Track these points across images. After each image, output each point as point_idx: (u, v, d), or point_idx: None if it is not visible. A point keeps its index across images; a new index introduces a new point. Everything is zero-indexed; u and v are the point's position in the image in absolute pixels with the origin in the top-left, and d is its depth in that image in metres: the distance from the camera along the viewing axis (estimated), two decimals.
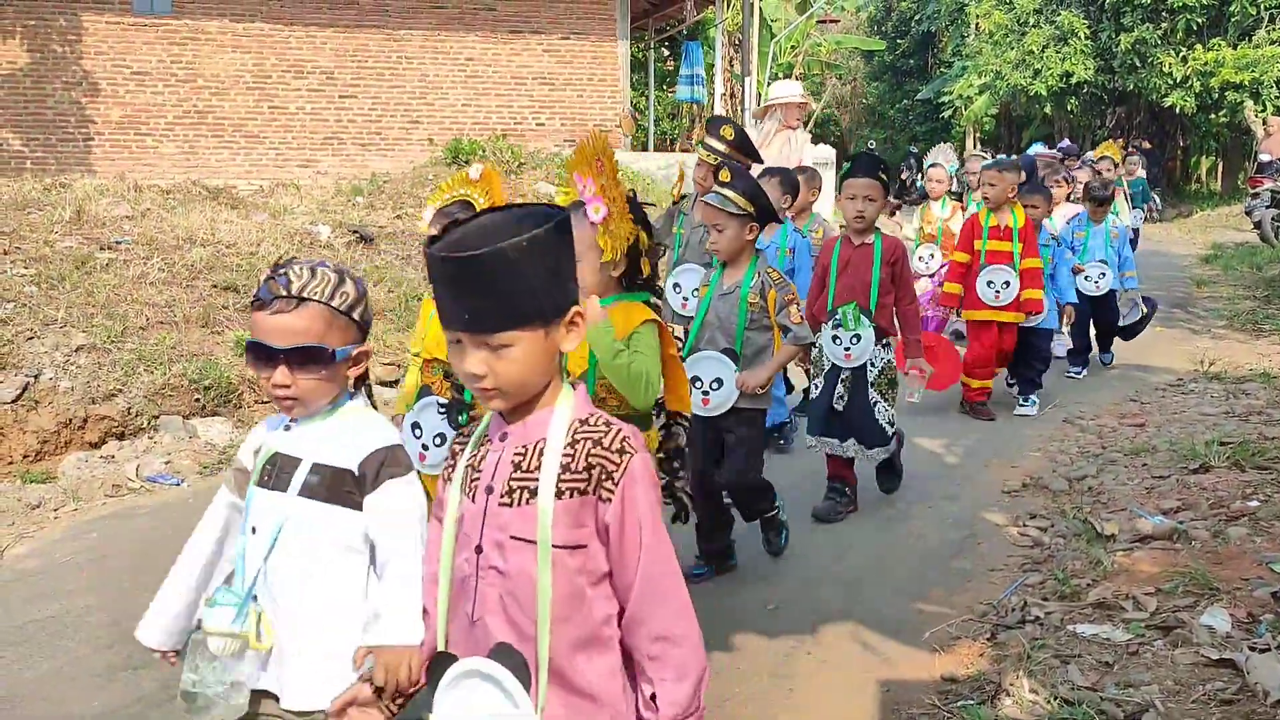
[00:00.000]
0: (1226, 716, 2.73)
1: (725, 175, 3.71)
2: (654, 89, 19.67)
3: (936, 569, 4.12)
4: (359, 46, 13.30)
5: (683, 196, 5.05)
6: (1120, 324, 7.75)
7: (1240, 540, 3.87)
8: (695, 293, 4.47)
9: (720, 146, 4.79)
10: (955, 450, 5.75)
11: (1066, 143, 14.77)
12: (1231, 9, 20.91)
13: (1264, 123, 18.55)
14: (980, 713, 2.92)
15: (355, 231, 8.84)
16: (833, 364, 4.56)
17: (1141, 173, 13.54)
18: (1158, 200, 13.47)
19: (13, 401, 5.42)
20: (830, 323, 4.54)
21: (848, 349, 4.48)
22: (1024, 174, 6.80)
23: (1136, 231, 12.52)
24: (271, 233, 8.09)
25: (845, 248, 4.57)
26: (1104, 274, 7.30)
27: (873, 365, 4.51)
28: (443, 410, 3.06)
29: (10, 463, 5.30)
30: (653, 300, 2.91)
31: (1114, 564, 3.84)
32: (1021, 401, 6.61)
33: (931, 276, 7.94)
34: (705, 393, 3.68)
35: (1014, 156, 9.85)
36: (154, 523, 4.64)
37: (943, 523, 4.63)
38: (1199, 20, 21.52)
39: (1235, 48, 20.76)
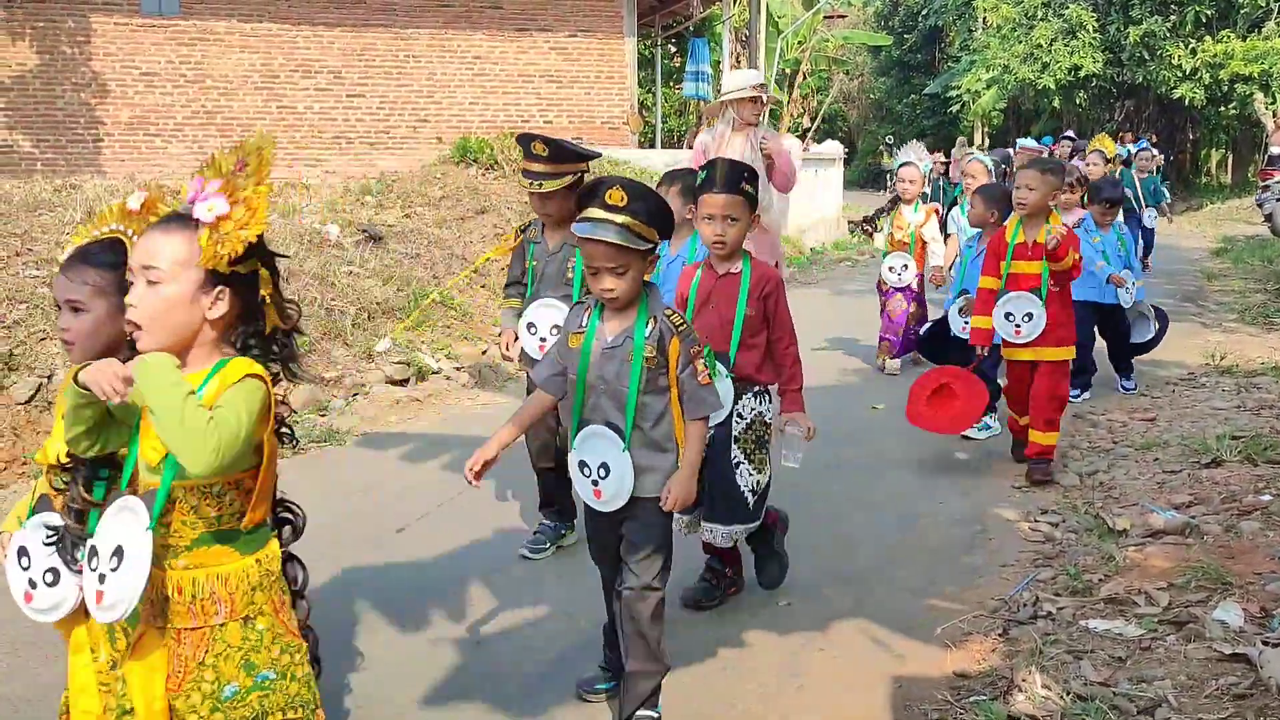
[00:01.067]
0: (1240, 711, 2.73)
1: (618, 196, 2.68)
2: (661, 86, 19.66)
3: (947, 565, 4.11)
4: (366, 46, 13.32)
5: (526, 226, 4.28)
6: (1131, 340, 6.96)
7: (1253, 535, 3.87)
8: (553, 330, 3.82)
9: (541, 168, 3.94)
10: (965, 446, 5.74)
11: (1071, 134, 14.45)
12: (1240, 0, 20.83)
13: (1274, 115, 18.48)
14: (993, 709, 2.91)
15: (364, 230, 8.86)
16: None
17: (1158, 163, 13.14)
18: (1167, 195, 13.21)
19: (26, 402, 5.46)
20: None
21: None
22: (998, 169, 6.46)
23: (1152, 233, 11.83)
24: (281, 232, 8.11)
25: (706, 277, 3.61)
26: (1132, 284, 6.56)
27: (740, 417, 3.55)
28: (51, 539, 2.15)
29: (24, 463, 5.33)
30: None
31: (1126, 559, 3.83)
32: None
33: (903, 290, 7.39)
34: (595, 482, 2.85)
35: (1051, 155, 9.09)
36: None
37: (953, 518, 4.62)
38: (1208, 12, 21.48)
39: (1244, 39, 20.71)
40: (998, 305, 5.02)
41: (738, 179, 3.48)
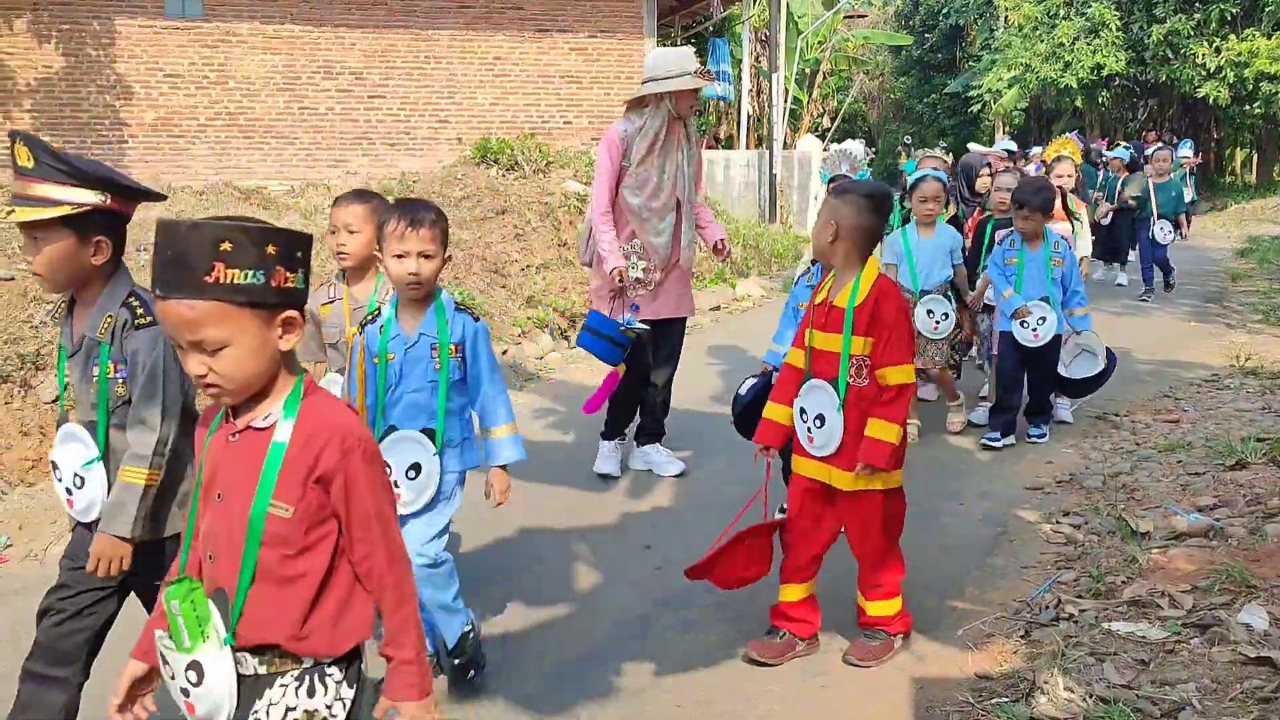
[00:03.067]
0: (1264, 715, 2.71)
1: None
2: None
3: (969, 566, 4.10)
4: (387, 47, 13.39)
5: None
6: (1064, 374, 5.76)
7: (1278, 537, 3.83)
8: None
9: (23, 186, 2.43)
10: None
11: (1008, 141, 13.76)
12: None
13: None
14: (1015, 711, 2.91)
15: None
16: None
17: (1183, 161, 12.07)
18: (1190, 204, 11.79)
19: (52, 401, 5.52)
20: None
21: (188, 692, 1.77)
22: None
23: (1164, 250, 10.65)
24: None
25: (218, 440, 1.86)
26: (1045, 318, 5.49)
27: None
28: None
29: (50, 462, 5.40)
30: None
31: (1149, 561, 3.81)
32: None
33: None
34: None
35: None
36: None
37: (975, 520, 4.61)
38: (1232, 10, 21.28)
39: (1270, 38, 20.50)
40: (799, 395, 3.34)
41: (212, 262, 1.63)
